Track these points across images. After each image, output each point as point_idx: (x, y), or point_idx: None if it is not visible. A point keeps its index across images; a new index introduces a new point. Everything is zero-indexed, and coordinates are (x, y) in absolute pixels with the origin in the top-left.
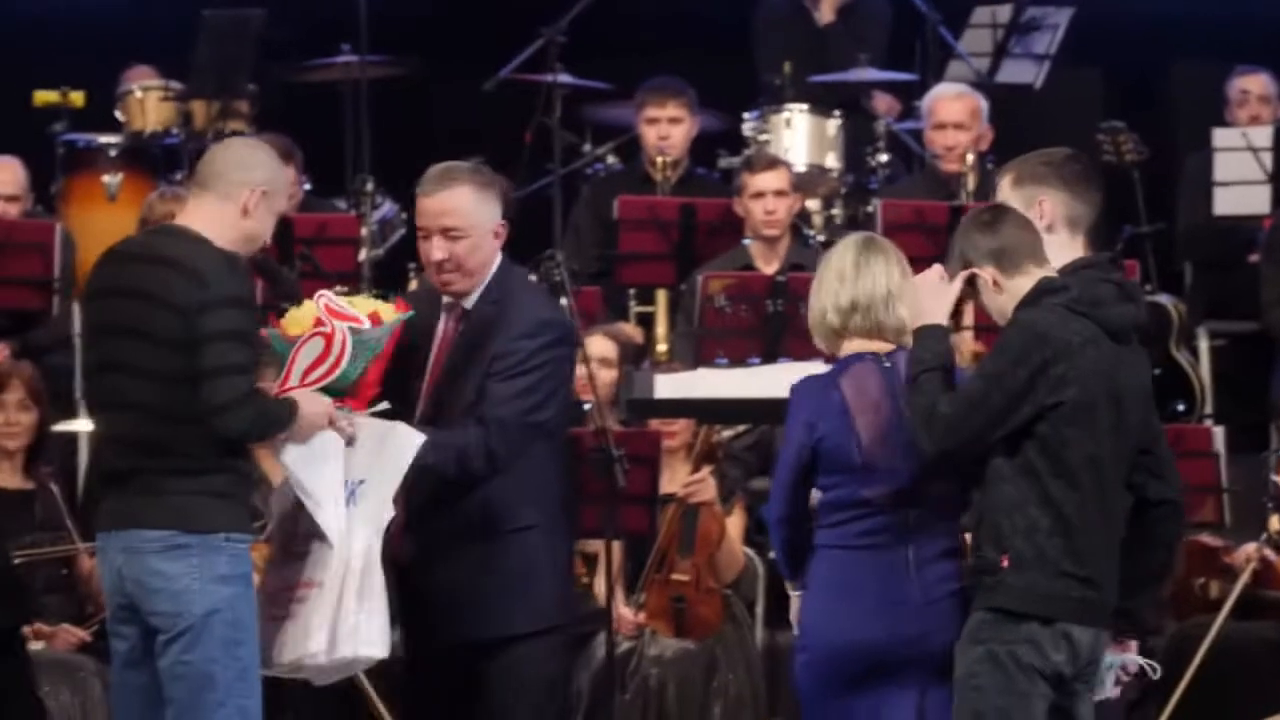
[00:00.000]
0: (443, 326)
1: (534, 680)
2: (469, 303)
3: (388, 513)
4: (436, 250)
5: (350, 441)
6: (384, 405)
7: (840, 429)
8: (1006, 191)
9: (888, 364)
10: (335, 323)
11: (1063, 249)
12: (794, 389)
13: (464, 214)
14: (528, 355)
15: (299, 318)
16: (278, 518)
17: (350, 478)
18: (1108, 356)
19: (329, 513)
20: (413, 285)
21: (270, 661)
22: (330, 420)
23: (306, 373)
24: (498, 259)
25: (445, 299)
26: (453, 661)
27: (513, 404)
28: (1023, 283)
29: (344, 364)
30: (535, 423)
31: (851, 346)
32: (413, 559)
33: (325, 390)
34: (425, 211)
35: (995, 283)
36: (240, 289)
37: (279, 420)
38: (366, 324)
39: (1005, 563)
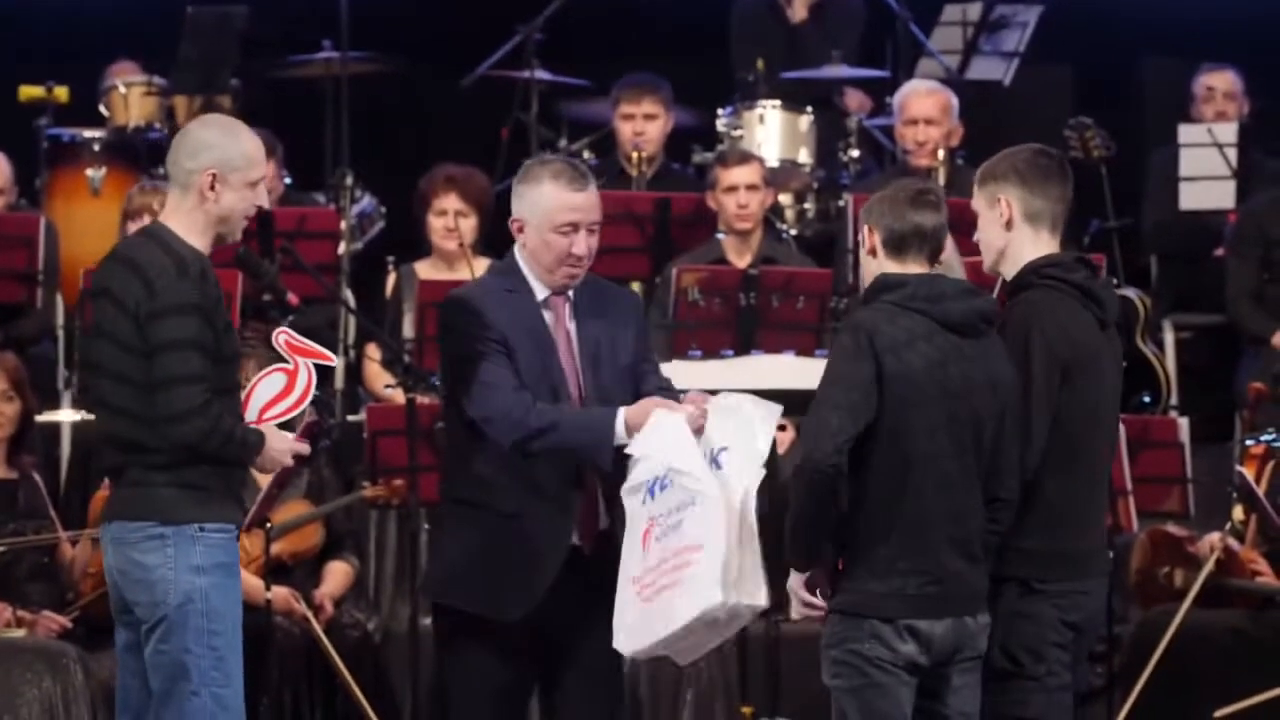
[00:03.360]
0: (551, 316)
1: None
2: (572, 293)
3: (755, 473)
4: (583, 244)
5: (699, 431)
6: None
7: None
8: (975, 192)
9: None
10: (298, 359)
11: (1025, 244)
12: None
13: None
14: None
15: None
16: (629, 518)
17: (711, 447)
18: (939, 351)
19: (699, 478)
20: (391, 279)
21: (644, 640)
22: (295, 457)
23: (265, 408)
24: None
25: (543, 292)
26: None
27: None
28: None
29: (306, 402)
30: None
31: None
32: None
33: None
34: (581, 206)
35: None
36: (189, 295)
37: (238, 442)
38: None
39: (840, 565)
